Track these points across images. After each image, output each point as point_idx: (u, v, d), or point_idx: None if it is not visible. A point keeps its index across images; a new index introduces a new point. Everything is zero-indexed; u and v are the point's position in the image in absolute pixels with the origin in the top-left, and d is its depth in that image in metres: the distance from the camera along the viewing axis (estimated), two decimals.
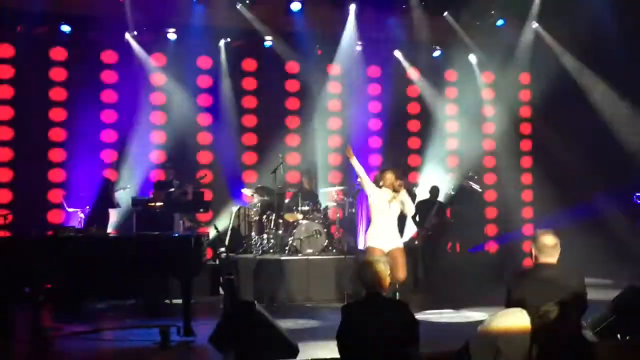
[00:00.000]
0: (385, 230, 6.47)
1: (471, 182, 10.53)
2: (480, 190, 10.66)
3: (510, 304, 3.87)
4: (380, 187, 6.53)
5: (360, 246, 6.60)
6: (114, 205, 8.85)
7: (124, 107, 10.13)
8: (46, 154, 9.75)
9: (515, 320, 3.73)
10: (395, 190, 6.45)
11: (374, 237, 6.48)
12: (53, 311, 7.20)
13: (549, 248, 3.95)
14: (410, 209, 6.64)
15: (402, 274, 6.34)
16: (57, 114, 9.88)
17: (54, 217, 9.55)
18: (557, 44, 11.04)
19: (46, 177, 9.68)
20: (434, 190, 9.81)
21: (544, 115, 11.54)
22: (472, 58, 11.70)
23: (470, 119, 11.67)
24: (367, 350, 3.67)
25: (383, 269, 3.86)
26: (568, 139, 10.57)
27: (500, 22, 11.17)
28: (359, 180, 9.32)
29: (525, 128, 12.21)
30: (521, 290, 3.85)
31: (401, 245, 6.51)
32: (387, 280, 3.88)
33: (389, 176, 6.49)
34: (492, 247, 11.37)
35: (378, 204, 6.50)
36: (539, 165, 11.76)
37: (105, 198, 8.69)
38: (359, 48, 11.12)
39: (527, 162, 12.11)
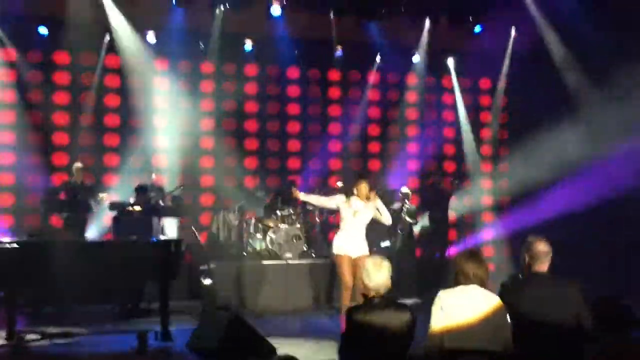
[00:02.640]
0: (352, 238, 6.53)
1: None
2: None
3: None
4: (352, 195, 6.59)
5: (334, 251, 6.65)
6: (91, 209, 8.79)
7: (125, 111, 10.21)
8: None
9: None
10: (368, 199, 6.51)
11: (341, 244, 6.54)
12: (29, 315, 7.14)
13: (543, 255, 3.96)
14: (387, 218, 6.68)
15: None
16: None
17: (32, 221, 9.49)
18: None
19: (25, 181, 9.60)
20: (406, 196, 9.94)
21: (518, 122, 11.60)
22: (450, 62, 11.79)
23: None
24: (371, 354, 3.71)
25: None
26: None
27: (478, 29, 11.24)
28: (338, 183, 9.44)
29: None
30: (518, 305, 3.87)
31: (367, 253, 6.55)
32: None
33: (363, 187, 6.55)
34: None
35: (345, 214, 6.58)
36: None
37: (81, 203, 8.62)
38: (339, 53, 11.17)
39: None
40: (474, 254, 4.02)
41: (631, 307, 3.70)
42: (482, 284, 3.94)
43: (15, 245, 6.02)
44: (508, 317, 3.87)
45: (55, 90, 10.03)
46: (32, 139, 9.74)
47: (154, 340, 6.09)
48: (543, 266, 3.95)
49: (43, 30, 9.77)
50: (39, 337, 6.37)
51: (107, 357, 5.86)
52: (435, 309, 3.91)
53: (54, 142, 9.96)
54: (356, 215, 6.52)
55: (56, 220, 8.84)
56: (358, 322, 3.84)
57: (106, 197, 8.73)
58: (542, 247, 3.94)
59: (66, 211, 8.54)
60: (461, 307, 3.84)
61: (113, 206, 8.59)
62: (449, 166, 11.95)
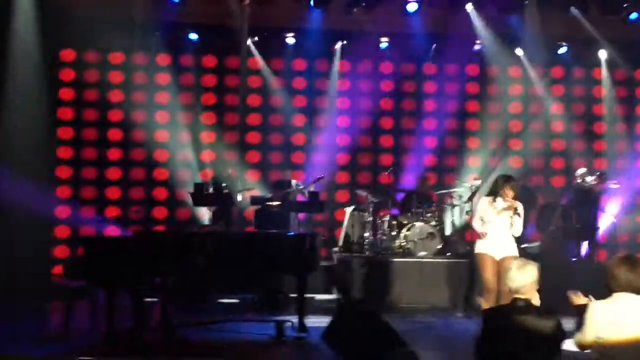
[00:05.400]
0: (496, 238, 6.27)
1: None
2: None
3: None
4: (496, 194, 6.33)
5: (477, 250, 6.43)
6: (235, 204, 9.27)
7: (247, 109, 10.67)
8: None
9: None
10: (511, 205, 6.22)
11: (484, 244, 6.31)
12: (179, 303, 7.68)
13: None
14: (517, 229, 6.27)
15: None
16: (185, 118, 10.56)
17: (182, 214, 10.23)
18: None
19: (175, 177, 10.33)
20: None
21: None
22: (602, 54, 10.99)
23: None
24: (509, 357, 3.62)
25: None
26: None
27: (634, 16, 10.38)
28: (475, 182, 9.17)
29: None
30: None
31: (514, 254, 6.24)
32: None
33: (509, 190, 6.25)
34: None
35: (489, 213, 6.32)
36: None
37: (227, 197, 9.12)
38: (477, 47, 10.85)
39: None
40: (628, 259, 3.73)
41: None
42: (638, 291, 3.65)
43: (169, 235, 6.50)
44: None
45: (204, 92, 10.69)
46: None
47: (291, 331, 6.30)
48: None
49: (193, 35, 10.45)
50: (186, 322, 6.82)
51: (247, 343, 6.15)
52: (587, 320, 3.69)
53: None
54: (500, 215, 6.27)
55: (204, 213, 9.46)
56: (495, 325, 3.71)
57: (245, 194, 9.18)
58: None
59: (213, 204, 9.06)
60: (614, 321, 3.60)
61: (255, 200, 9.00)
62: (599, 163, 11.14)
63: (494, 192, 6.37)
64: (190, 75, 10.60)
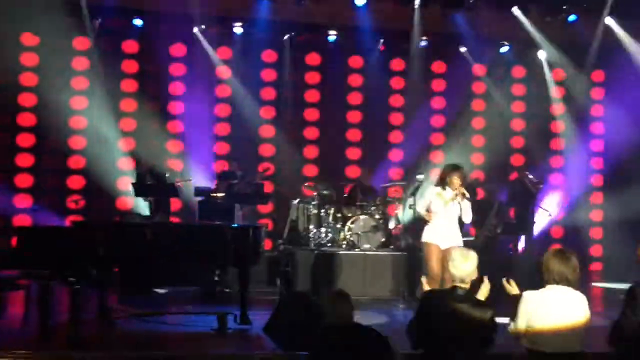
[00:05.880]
0: (443, 228, 6.41)
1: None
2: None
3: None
4: (444, 186, 6.45)
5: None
6: (177, 194, 9.12)
7: (191, 99, 10.46)
8: (116, 143, 10.16)
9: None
10: (458, 191, 6.35)
11: (431, 234, 6.44)
12: (117, 294, 7.52)
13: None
14: (467, 215, 6.46)
15: None
16: (128, 105, 10.29)
17: (122, 204, 9.98)
18: (633, 40, 10.55)
19: (115, 166, 10.08)
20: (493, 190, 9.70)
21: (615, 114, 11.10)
22: (542, 54, 11.35)
23: (539, 117, 11.41)
24: (440, 341, 3.70)
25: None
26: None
27: (572, 18, 10.76)
28: (419, 177, 9.32)
29: (596, 127, 11.78)
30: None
31: (460, 244, 6.39)
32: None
33: (455, 178, 6.38)
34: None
35: (436, 204, 6.45)
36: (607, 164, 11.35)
37: (170, 188, 8.96)
38: (423, 43, 11.01)
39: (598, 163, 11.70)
40: (561, 253, 3.88)
41: None
42: (569, 283, 3.80)
43: (105, 225, 6.34)
44: (588, 317, 3.73)
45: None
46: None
47: (233, 323, 6.26)
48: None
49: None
50: (125, 314, 6.70)
51: (189, 336, 6.08)
52: (520, 309, 3.83)
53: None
54: (448, 205, 6.39)
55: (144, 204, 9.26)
56: (434, 305, 3.81)
57: (182, 184, 9.04)
58: None
59: (156, 195, 8.89)
60: (545, 310, 3.75)
61: (198, 192, 8.88)
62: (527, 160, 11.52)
63: (441, 182, 6.49)
64: (134, 62, 10.35)
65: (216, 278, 8.04)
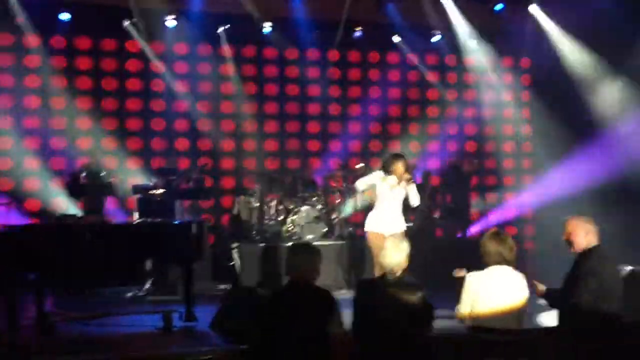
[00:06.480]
0: (387, 215, 6.52)
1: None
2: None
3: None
4: (388, 172, 6.55)
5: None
6: (113, 193, 8.90)
7: (125, 94, 10.27)
8: (48, 143, 9.83)
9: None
10: (403, 179, 6.47)
11: (374, 221, 6.54)
12: (56, 298, 7.30)
13: None
14: (414, 199, 6.61)
15: None
16: (58, 102, 9.95)
17: (56, 205, 9.64)
18: (558, 28, 10.98)
19: (48, 166, 9.75)
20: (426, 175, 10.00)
21: (542, 100, 11.55)
22: (472, 43, 11.65)
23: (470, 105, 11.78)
24: (376, 328, 3.79)
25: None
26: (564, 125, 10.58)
27: (499, 7, 11.10)
28: (358, 166, 9.43)
29: (524, 113, 12.23)
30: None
31: (402, 231, 6.54)
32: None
33: (399, 166, 6.50)
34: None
35: (380, 190, 6.56)
36: (537, 149, 11.80)
37: (106, 187, 8.74)
38: (358, 34, 11.11)
39: (527, 147, 12.16)
40: (497, 234, 4.05)
41: None
42: (508, 263, 3.98)
43: (43, 227, 6.14)
44: (527, 295, 3.90)
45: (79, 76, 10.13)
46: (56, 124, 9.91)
47: (179, 320, 6.20)
48: None
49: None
50: (65, 318, 6.52)
51: (134, 336, 5.98)
52: (464, 292, 3.97)
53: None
54: (392, 190, 6.49)
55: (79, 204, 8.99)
56: (365, 295, 3.91)
57: (117, 181, 8.84)
58: None
59: (88, 194, 8.65)
60: (487, 291, 3.90)
61: (137, 189, 8.70)
62: (470, 146, 11.88)
63: (385, 170, 6.59)
64: (63, 58, 10.02)
65: (147, 285, 7.91)
